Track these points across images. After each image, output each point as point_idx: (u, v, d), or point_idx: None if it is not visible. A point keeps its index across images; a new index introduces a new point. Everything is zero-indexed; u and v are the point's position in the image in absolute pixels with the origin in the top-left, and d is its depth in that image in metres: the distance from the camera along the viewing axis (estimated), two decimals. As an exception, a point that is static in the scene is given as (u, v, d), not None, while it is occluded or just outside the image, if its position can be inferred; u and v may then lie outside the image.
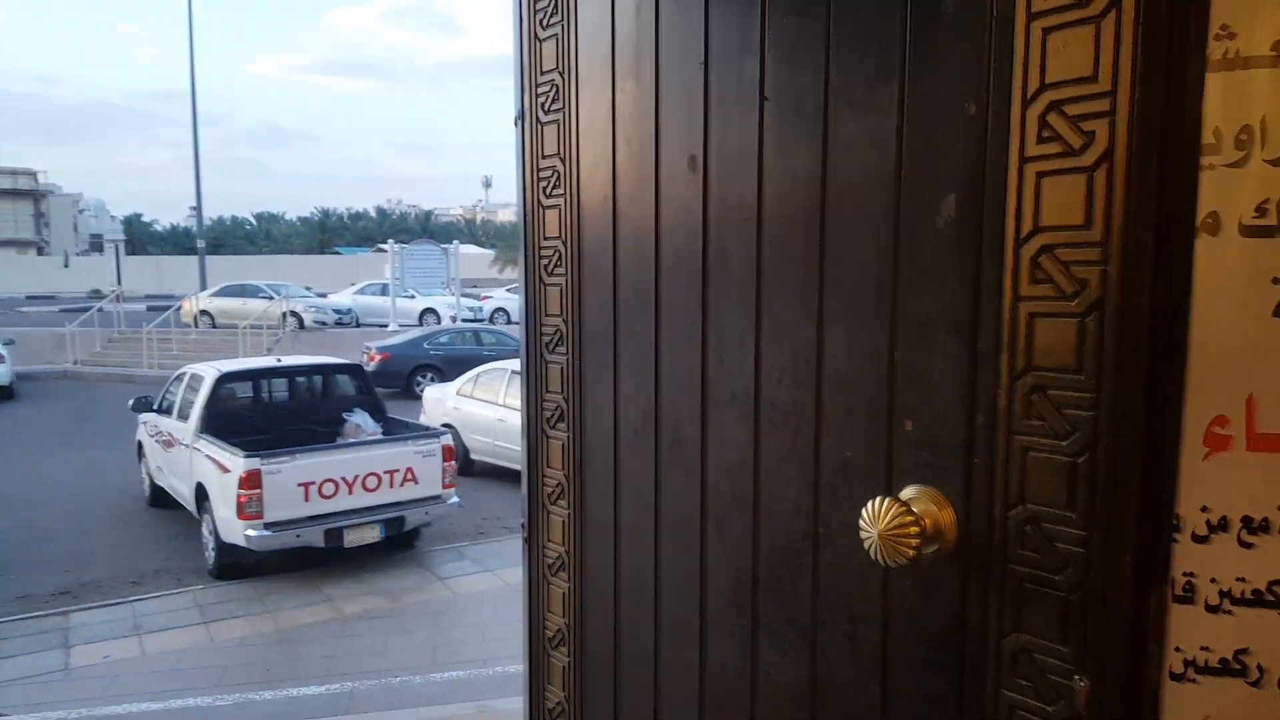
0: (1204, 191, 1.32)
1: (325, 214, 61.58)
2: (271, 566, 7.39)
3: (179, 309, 21.76)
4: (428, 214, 64.04)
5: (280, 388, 8.56)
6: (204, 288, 23.75)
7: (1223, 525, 1.44)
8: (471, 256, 38.57)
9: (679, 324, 1.44)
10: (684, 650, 1.45)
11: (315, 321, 21.58)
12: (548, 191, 1.70)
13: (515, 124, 1.83)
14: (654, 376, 1.49)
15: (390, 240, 26.33)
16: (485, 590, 7.54)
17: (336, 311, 22.62)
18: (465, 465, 10.30)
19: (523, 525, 1.91)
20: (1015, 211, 0.92)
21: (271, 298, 21.76)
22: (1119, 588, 0.93)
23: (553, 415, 1.73)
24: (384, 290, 23.81)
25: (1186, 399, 1.33)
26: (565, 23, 1.60)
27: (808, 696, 1.25)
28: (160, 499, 8.72)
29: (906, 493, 1.06)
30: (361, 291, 25.60)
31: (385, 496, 7.58)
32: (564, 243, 1.68)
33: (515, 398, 10.64)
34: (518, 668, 5.28)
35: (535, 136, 1.73)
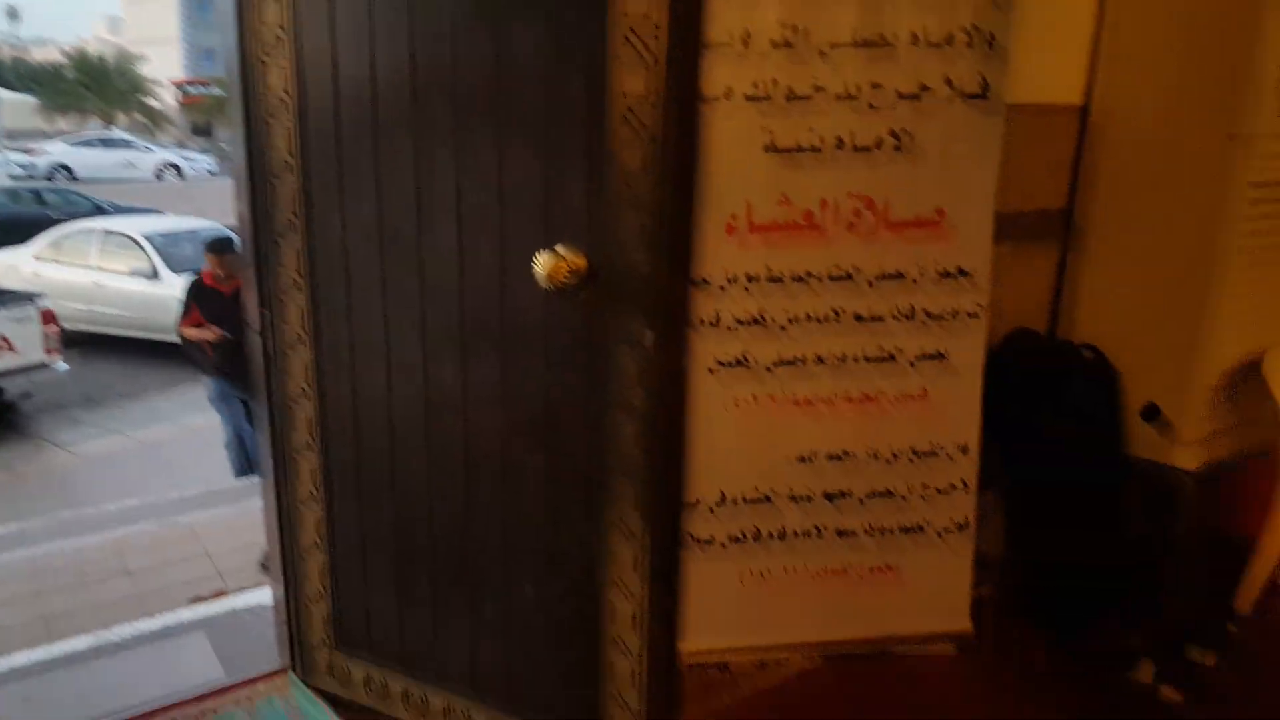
0: (726, 72, 2.22)
1: None
2: None
3: None
4: (-68, 50, 51.78)
5: None
6: None
7: (733, 280, 2.44)
8: (9, 104, 32.57)
9: (396, 157, 2.07)
10: (411, 379, 2.16)
11: None
12: (269, 51, 2.19)
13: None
14: (376, 195, 2.11)
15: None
16: (113, 451, 7.39)
17: None
18: (58, 334, 9.52)
19: (255, 321, 2.44)
20: (614, 87, 1.73)
21: None
22: (668, 285, 1.80)
23: (283, 228, 2.27)
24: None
25: (710, 204, 2.26)
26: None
27: (499, 387, 2.04)
28: None
29: (558, 249, 1.85)
30: None
31: (-20, 367, 7.05)
32: (287, 93, 2.19)
33: (113, 260, 9.99)
34: (199, 490, 5.57)
35: (251, 6, 2.18)
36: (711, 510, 2.47)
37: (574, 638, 2.07)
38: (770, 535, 2.51)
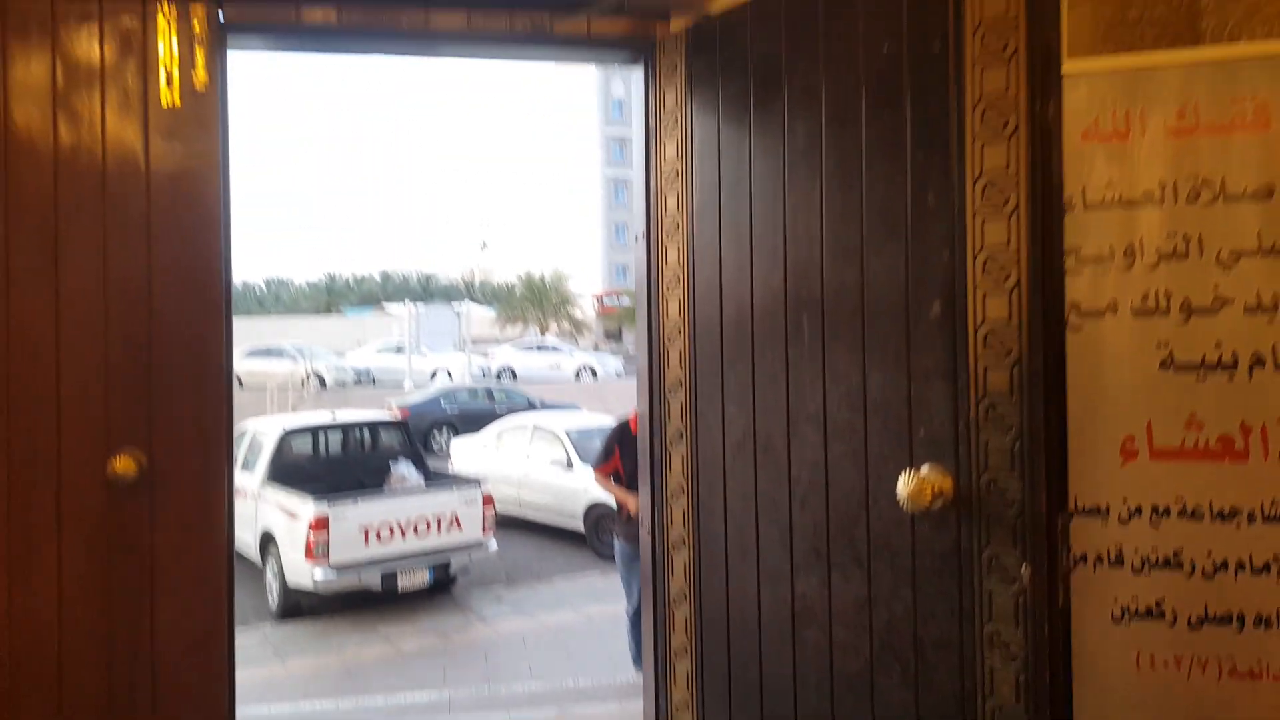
0: (1107, 286, 2.14)
1: (331, 278, 63.79)
2: (328, 609, 8.04)
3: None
4: (428, 276, 65.52)
5: (334, 440, 9.32)
6: (225, 351, 24.92)
7: (1138, 512, 2.21)
8: (476, 315, 39.70)
9: (768, 372, 2.24)
10: (778, 587, 2.23)
11: (336, 381, 22.62)
12: (670, 286, 2.53)
13: (636, 240, 2.68)
14: (751, 406, 2.29)
15: (407, 300, 27.50)
16: (524, 630, 8.13)
17: (356, 371, 23.68)
18: (490, 515, 10.93)
19: (646, 521, 2.68)
20: (974, 311, 1.75)
21: (296, 359, 22.82)
22: (1044, 513, 1.71)
23: (674, 437, 2.53)
24: (397, 350, 24.84)
25: (1101, 425, 2.12)
26: (684, 182, 2.45)
27: (865, 607, 2.02)
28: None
29: (923, 470, 1.85)
30: (379, 351, 26.72)
31: (433, 541, 8.27)
32: (682, 319, 2.49)
33: (538, 451, 11.42)
34: (589, 682, 5.94)
35: (659, 249, 2.56)
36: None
37: None
38: None
